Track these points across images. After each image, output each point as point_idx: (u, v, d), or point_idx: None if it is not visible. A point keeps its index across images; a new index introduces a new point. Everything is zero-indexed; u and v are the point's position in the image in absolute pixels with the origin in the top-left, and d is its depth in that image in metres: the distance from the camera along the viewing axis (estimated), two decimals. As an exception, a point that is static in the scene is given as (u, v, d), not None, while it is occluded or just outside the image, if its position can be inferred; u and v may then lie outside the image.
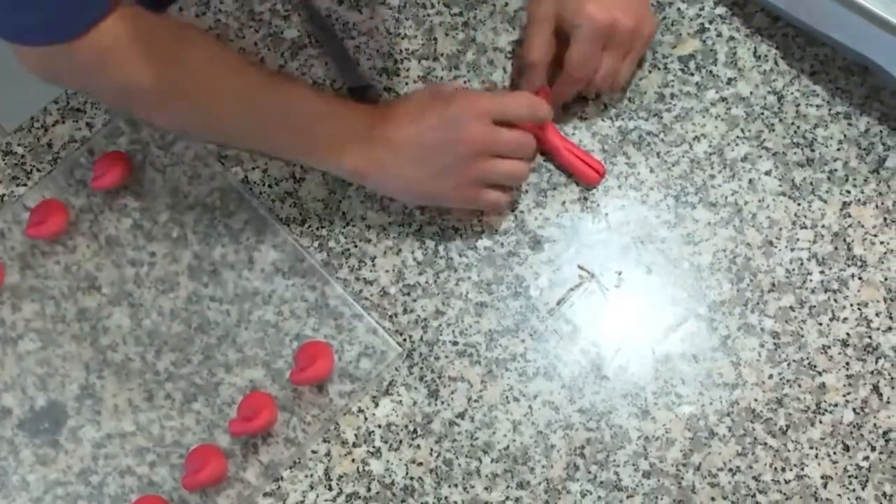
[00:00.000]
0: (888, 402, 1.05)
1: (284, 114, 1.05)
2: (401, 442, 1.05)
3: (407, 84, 1.15)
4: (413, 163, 1.05)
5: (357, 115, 1.06)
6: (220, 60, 1.05)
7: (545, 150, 1.12)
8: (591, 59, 1.07)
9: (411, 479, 1.04)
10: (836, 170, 1.11)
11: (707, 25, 1.16)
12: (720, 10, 1.16)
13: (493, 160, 1.05)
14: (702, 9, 1.16)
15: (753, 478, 1.03)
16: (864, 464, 1.03)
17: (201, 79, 1.03)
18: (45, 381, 1.08)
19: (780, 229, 1.10)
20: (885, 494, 1.02)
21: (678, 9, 1.16)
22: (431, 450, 1.05)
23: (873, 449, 1.04)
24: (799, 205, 1.10)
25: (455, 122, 1.04)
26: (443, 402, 1.06)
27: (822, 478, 1.03)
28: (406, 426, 1.06)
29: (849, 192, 1.11)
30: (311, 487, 1.05)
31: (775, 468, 1.03)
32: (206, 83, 1.03)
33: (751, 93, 1.14)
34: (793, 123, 1.13)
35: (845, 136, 1.12)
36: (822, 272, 1.08)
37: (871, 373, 1.06)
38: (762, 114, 1.13)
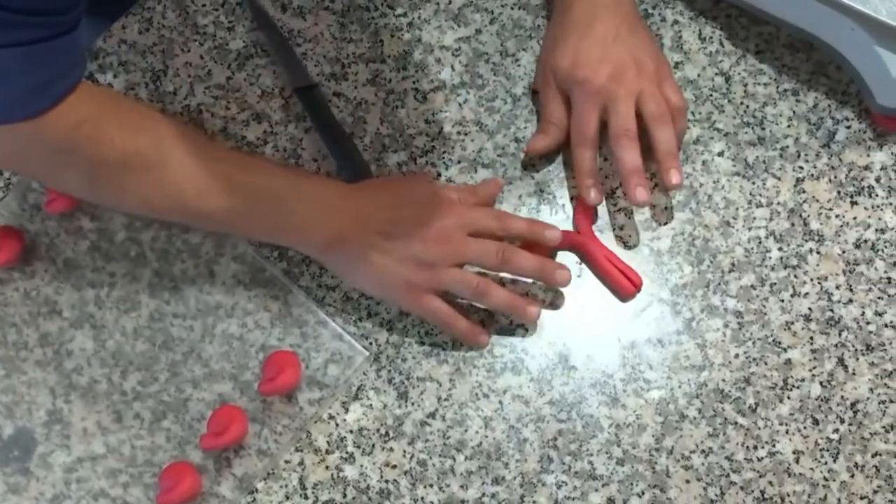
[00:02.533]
0: (854, 374, 1.06)
1: (256, 191, 1.04)
2: (373, 446, 1.05)
3: (356, 88, 1.15)
4: (374, 244, 1.04)
5: (329, 188, 1.07)
6: (188, 137, 1.03)
7: (584, 256, 1.10)
8: (588, 121, 1.08)
9: (386, 482, 1.04)
10: (787, 147, 1.12)
11: (651, 11, 1.16)
12: (663, -5, 1.17)
13: (450, 270, 1.05)
14: (645, -5, 1.17)
15: (726, 458, 1.04)
16: (835, 436, 1.04)
17: (171, 155, 1.01)
18: (11, 409, 1.07)
19: (737, 209, 1.10)
20: (856, 465, 1.03)
21: (621, -4, 1.17)
22: (405, 451, 1.05)
23: (842, 421, 1.05)
24: (753, 184, 1.11)
25: (428, 221, 1.05)
26: (413, 404, 1.06)
27: (793, 453, 1.04)
28: (378, 430, 1.06)
29: (801, 167, 1.11)
30: (287, 497, 1.04)
31: (747, 447, 1.04)
32: (176, 160, 1.01)
33: (698, 75, 1.15)
34: (742, 103, 1.14)
35: (794, 112, 1.13)
36: (780, 249, 1.09)
37: (836, 346, 1.06)
38: (711, 95, 1.14)
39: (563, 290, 1.09)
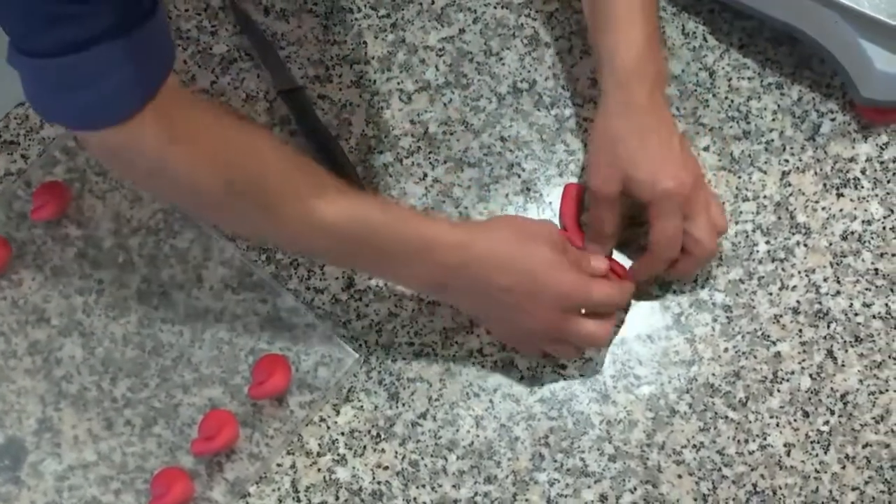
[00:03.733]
0: (843, 366, 1.06)
1: (368, 233, 0.98)
2: (365, 447, 1.05)
3: (341, 90, 1.15)
4: (482, 299, 1.03)
5: (437, 240, 1.00)
6: (290, 167, 0.97)
7: None
8: (676, 234, 1.03)
9: (378, 483, 1.04)
10: (772, 140, 1.12)
11: (634, 7, 1.17)
12: (645, -9, 1.17)
13: (579, 319, 1.02)
14: (627, -9, 1.17)
15: (717, 452, 1.04)
16: (825, 428, 1.04)
17: (270, 191, 0.95)
18: (0, 419, 1.07)
19: (723, 203, 1.10)
20: (847, 456, 1.03)
21: (604, -7, 1.17)
22: (396, 452, 1.05)
23: (832, 413, 1.05)
24: (739, 178, 1.11)
25: (544, 273, 1.01)
26: (404, 404, 1.06)
27: (784, 446, 1.04)
28: (369, 431, 1.06)
29: (787, 161, 1.12)
30: (280, 501, 1.04)
31: (738, 440, 1.04)
32: (277, 198, 0.95)
33: (682, 71, 1.15)
34: (726, 98, 1.14)
35: (779, 106, 1.13)
36: (767, 242, 1.09)
37: (824, 338, 1.07)
38: (695, 90, 1.14)
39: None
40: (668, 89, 1.13)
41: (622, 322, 1.08)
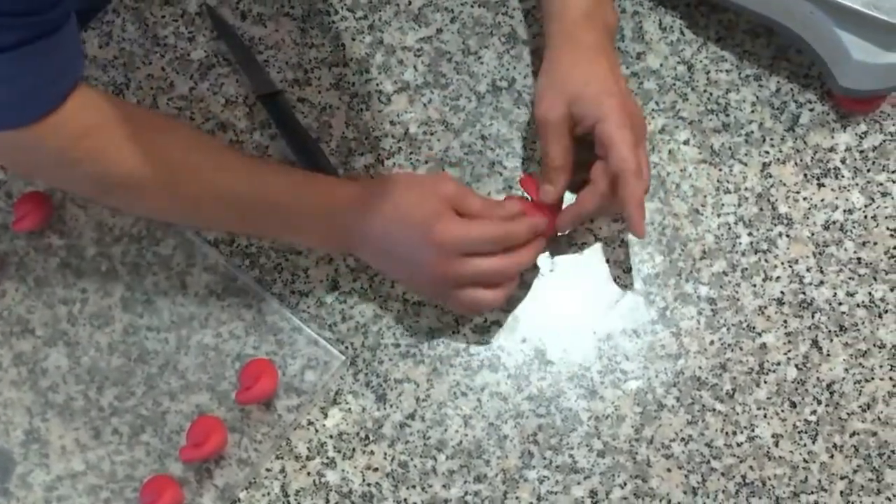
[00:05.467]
0: (828, 355, 1.06)
1: (264, 205, 1.03)
2: (354, 450, 1.05)
3: (320, 93, 1.14)
4: (384, 256, 1.04)
5: (334, 199, 1.04)
6: (196, 146, 1.02)
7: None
8: (632, 147, 1.02)
9: (368, 485, 1.04)
10: (752, 132, 1.13)
11: (611, 3, 1.17)
12: (622, -14, 1.17)
13: (468, 260, 1.01)
14: (604, -13, 1.17)
15: (706, 444, 1.04)
16: (812, 418, 1.05)
17: (179, 171, 1.00)
18: (-12, 431, 1.07)
19: (705, 196, 1.11)
20: (835, 445, 1.04)
21: (580, -11, 1.17)
22: (385, 454, 1.05)
23: (819, 402, 1.05)
24: (720, 170, 1.12)
25: (427, 224, 1.01)
26: (391, 406, 1.06)
27: (772, 437, 1.04)
28: (357, 433, 1.06)
29: (767, 152, 1.12)
30: (270, 505, 1.05)
31: (726, 433, 1.04)
32: (185, 175, 1.00)
33: (661, 65, 1.15)
34: (705, 91, 1.14)
35: (758, 97, 1.14)
36: (750, 234, 1.10)
37: (809, 328, 1.07)
38: (674, 84, 1.14)
39: (536, 283, 1.09)
40: (647, 83, 1.13)
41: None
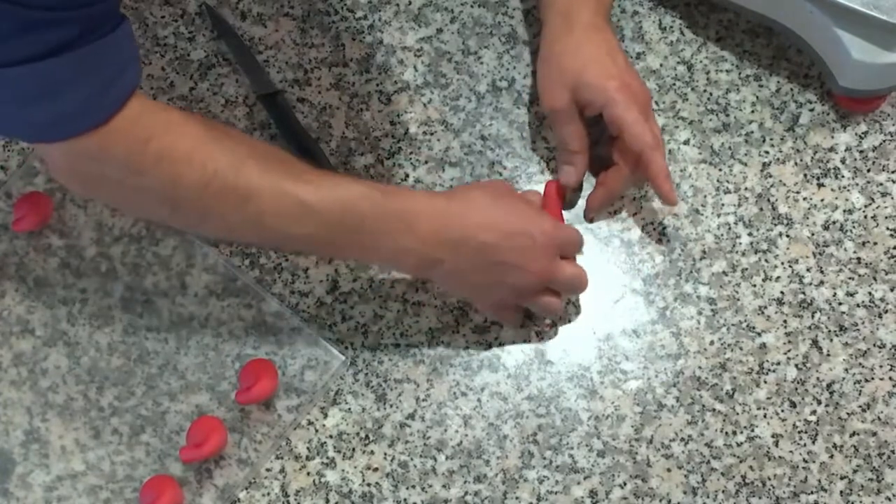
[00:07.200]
0: (828, 355, 1.06)
1: (341, 218, 0.96)
2: (354, 450, 1.05)
3: (320, 93, 1.14)
4: (471, 267, 1.01)
5: (418, 210, 0.99)
6: (264, 155, 0.95)
7: None
8: (643, 123, 1.04)
9: (368, 485, 1.04)
10: (752, 132, 1.13)
11: (611, 3, 1.17)
12: (622, -14, 1.17)
13: (566, 263, 1.03)
14: (604, -13, 1.17)
15: (706, 444, 1.04)
16: (812, 418, 1.05)
17: (251, 175, 0.92)
18: (-12, 431, 1.07)
19: (705, 196, 1.11)
20: (835, 445, 1.04)
21: (580, -11, 1.17)
22: (385, 454, 1.05)
23: (819, 402, 1.05)
24: (720, 170, 1.12)
25: (522, 252, 1.00)
26: (391, 406, 1.06)
27: (772, 437, 1.04)
28: (357, 433, 1.06)
29: (767, 152, 1.12)
30: (270, 506, 1.05)
31: (726, 433, 1.04)
32: (256, 180, 0.93)
33: (661, 65, 1.15)
34: (705, 91, 1.14)
35: (757, 97, 1.14)
36: (750, 234, 1.10)
37: (809, 328, 1.07)
38: (674, 84, 1.14)
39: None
40: (647, 83, 1.13)
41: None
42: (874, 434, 1.04)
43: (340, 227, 0.96)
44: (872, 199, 1.10)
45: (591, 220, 1.11)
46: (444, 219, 0.99)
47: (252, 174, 0.92)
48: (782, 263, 1.09)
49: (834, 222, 1.10)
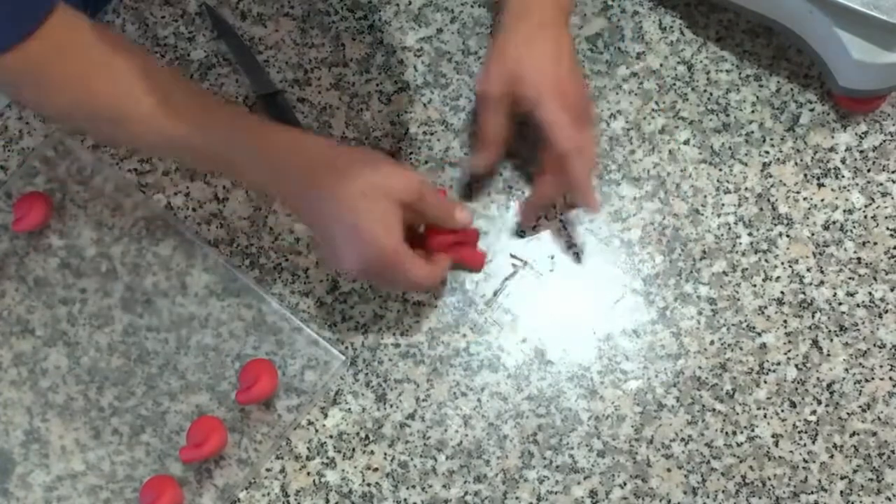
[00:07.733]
0: (828, 355, 1.06)
1: (214, 154, 0.99)
2: (354, 450, 1.05)
3: (320, 93, 1.14)
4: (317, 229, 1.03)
5: (282, 172, 1.00)
6: (151, 88, 0.96)
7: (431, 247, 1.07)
8: (569, 128, 1.03)
9: (368, 485, 1.04)
10: (752, 132, 1.13)
11: (610, 3, 1.17)
12: (622, -14, 1.17)
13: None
14: (604, -13, 1.17)
15: (706, 444, 1.04)
16: (812, 418, 1.05)
17: (130, 113, 0.96)
18: (-12, 431, 1.07)
19: (705, 196, 1.11)
20: (835, 445, 1.04)
21: (580, -11, 1.17)
22: (385, 454, 1.05)
23: (819, 402, 1.05)
24: (720, 170, 1.12)
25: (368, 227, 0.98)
26: (391, 406, 1.06)
27: (772, 437, 1.04)
28: (357, 433, 1.06)
29: (767, 152, 1.12)
30: (270, 506, 1.05)
31: (726, 433, 1.04)
32: (136, 117, 0.97)
33: (661, 65, 1.15)
34: (705, 91, 1.14)
35: (758, 97, 1.14)
36: (750, 234, 1.10)
37: (809, 328, 1.07)
38: (674, 84, 1.14)
39: (536, 283, 1.09)
40: (647, 83, 1.13)
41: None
42: (874, 434, 1.04)
43: (205, 157, 1.01)
44: (872, 199, 1.10)
45: (522, 234, 1.10)
46: (295, 187, 1.00)
47: (124, 110, 0.97)
48: (782, 263, 1.09)
49: (834, 222, 1.10)
